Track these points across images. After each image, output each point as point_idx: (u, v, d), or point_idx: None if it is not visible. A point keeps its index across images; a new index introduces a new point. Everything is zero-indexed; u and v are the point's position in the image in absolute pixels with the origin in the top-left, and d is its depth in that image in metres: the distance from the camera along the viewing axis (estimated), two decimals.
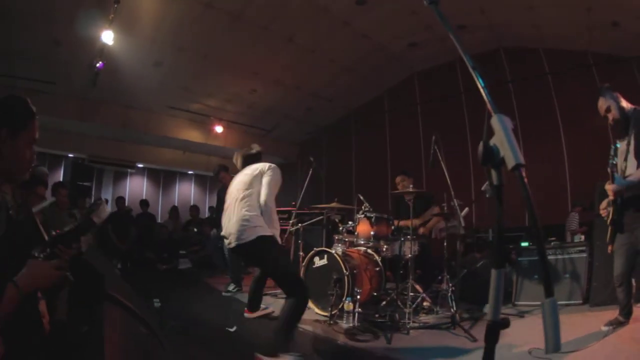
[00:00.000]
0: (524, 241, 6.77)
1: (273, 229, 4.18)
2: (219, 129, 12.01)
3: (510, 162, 1.05)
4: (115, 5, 6.82)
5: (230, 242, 4.11)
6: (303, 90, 10.96)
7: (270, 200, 4.25)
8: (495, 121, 1.10)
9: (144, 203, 12.04)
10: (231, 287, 7.04)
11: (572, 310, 5.13)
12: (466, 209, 5.54)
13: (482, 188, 5.16)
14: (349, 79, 10.66)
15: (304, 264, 5.71)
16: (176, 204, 13.99)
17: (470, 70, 1.21)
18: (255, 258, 4.35)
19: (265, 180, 4.32)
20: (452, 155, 7.67)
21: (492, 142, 1.10)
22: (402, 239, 5.49)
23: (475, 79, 1.19)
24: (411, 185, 5.91)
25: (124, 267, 9.63)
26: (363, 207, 6.02)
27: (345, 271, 5.09)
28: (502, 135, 1.08)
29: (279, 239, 4.28)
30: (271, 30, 8.49)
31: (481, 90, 1.17)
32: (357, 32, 8.86)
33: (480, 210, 8.41)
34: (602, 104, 4.05)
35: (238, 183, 4.45)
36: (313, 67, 9.94)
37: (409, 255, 5.55)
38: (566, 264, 5.65)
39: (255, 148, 4.84)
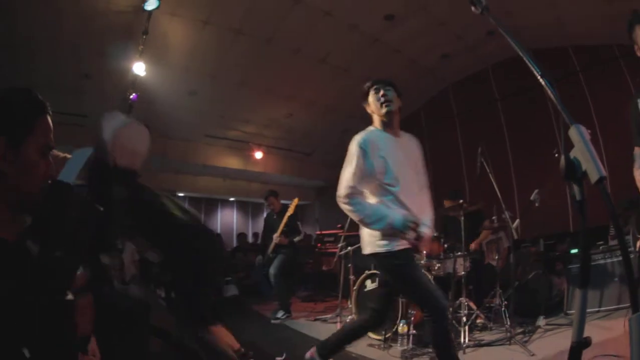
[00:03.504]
0: (573, 248, 6.55)
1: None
2: (258, 154, 12.01)
3: (594, 176, 0.98)
4: (144, 37, 6.87)
5: None
6: (339, 110, 10.89)
7: None
8: (573, 133, 1.03)
9: None
10: (280, 314, 6.99)
11: (622, 314, 4.94)
12: (517, 221, 5.38)
13: (531, 197, 5.06)
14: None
15: (355, 287, 5.62)
16: (219, 231, 14.09)
17: (540, 79, 1.15)
18: None
19: None
20: (494, 166, 7.56)
21: (572, 154, 1.03)
22: (453, 255, 5.34)
23: (546, 88, 1.12)
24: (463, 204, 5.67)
25: (168, 297, 9.68)
26: None
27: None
28: (582, 147, 1.01)
29: None
30: (303, 52, 8.53)
31: (554, 100, 1.10)
32: (388, 47, 8.81)
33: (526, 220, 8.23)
34: None
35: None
36: (347, 86, 9.89)
37: (462, 273, 5.39)
38: (615, 267, 5.45)
39: None
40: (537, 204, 4.94)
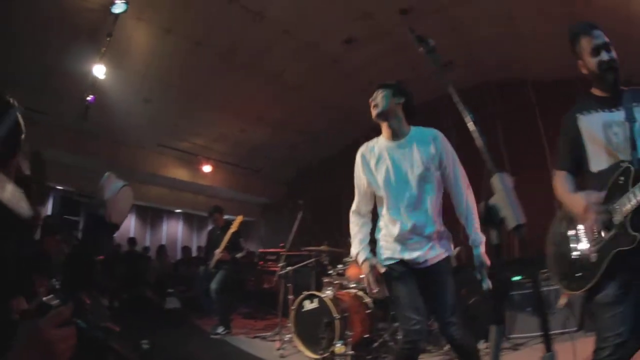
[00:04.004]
0: (516, 275, 6.76)
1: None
2: (206, 168, 11.93)
3: (512, 223, 1.05)
4: (108, 39, 6.80)
5: None
6: (290, 128, 10.98)
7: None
8: (496, 180, 1.11)
9: (132, 241, 11.92)
10: (220, 330, 6.93)
11: (567, 338, 5.12)
12: (457, 248, 5.52)
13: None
14: (335, 117, 10.67)
15: (293, 307, 5.64)
16: (164, 242, 13.85)
17: (472, 129, 1.22)
18: None
19: None
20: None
21: (492, 201, 1.10)
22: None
23: (476, 137, 1.19)
24: None
25: (111, 306, 9.47)
26: None
27: (335, 315, 5.05)
28: (503, 195, 1.08)
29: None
30: (259, 68, 8.56)
31: (480, 148, 1.17)
32: (344, 69, 8.95)
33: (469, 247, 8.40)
34: None
35: None
36: (298, 104, 10.00)
37: None
38: (559, 292, 5.58)
39: None
40: None
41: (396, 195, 3.07)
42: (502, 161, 9.27)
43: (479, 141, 1.22)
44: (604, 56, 2.41)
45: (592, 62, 2.46)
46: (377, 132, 3.28)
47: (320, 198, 12.47)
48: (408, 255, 2.99)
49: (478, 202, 2.94)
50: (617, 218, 2.17)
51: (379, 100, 3.20)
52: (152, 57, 7.87)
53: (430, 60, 1.57)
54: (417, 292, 2.93)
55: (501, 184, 1.10)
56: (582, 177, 2.54)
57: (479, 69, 9.42)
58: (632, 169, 2.20)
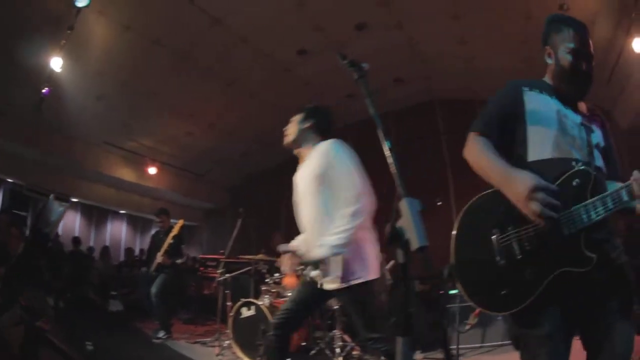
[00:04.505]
0: (453, 289, 6.95)
1: None
2: (152, 170, 11.73)
3: (414, 245, 1.15)
4: (69, 32, 6.69)
5: None
6: (238, 135, 11.00)
7: None
8: (403, 204, 1.21)
9: (76, 241, 11.62)
10: (161, 334, 6.86)
11: (508, 349, 5.28)
12: (392, 262, 5.67)
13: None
14: (285, 126, 10.63)
15: (231, 314, 5.67)
16: (107, 243, 13.57)
17: (387, 153, 1.32)
18: None
19: None
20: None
21: (399, 224, 1.20)
22: None
23: (390, 163, 1.29)
24: None
25: (57, 306, 9.24)
26: None
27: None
28: (409, 219, 1.19)
29: None
30: (213, 73, 8.62)
31: (393, 174, 1.27)
32: (297, 79, 9.09)
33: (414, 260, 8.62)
34: None
35: None
36: (250, 112, 10.03)
37: (335, 306, 5.58)
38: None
39: None
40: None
41: (298, 219, 3.17)
42: (446, 178, 9.58)
43: (392, 167, 1.32)
44: (582, 66, 1.97)
45: (565, 59, 2.00)
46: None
47: (262, 206, 12.47)
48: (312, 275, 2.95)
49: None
50: (569, 230, 1.73)
51: (289, 129, 3.29)
52: (109, 54, 7.79)
53: (359, 86, 1.64)
54: None
55: (408, 208, 1.21)
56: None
57: (429, 86, 9.72)
58: (592, 174, 1.79)
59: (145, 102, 9.31)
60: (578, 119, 1.97)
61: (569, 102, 2.01)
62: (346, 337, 5.61)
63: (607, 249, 1.77)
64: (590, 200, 1.71)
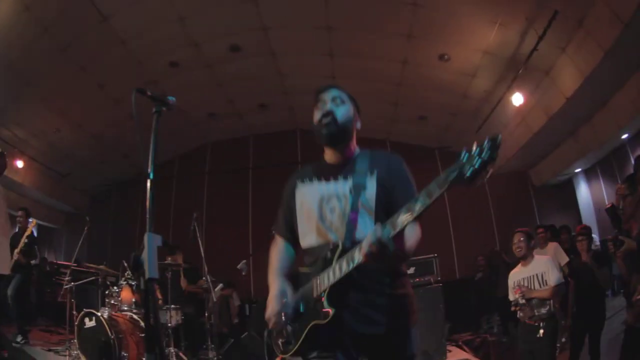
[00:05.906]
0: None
1: None
2: (19, 163, 10.89)
3: (146, 275, 1.30)
4: None
5: None
6: (102, 141, 10.70)
7: None
8: (145, 238, 1.36)
9: None
10: (19, 339, 6.52)
11: None
12: (220, 285, 5.89)
13: (238, 266, 5.61)
14: (147, 137, 10.42)
15: (76, 323, 5.52)
16: None
17: (148, 189, 1.46)
18: None
19: None
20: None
21: (141, 254, 1.35)
22: (165, 307, 5.61)
23: (147, 199, 1.44)
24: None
25: None
26: (126, 274, 5.92)
27: (110, 335, 5.06)
28: (146, 252, 1.34)
29: None
30: (87, 72, 8.37)
31: (146, 209, 1.42)
32: (164, 91, 9.01)
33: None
34: None
35: None
36: (117, 118, 9.76)
37: (171, 325, 5.61)
38: None
39: None
40: (244, 273, 5.52)
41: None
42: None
43: (147, 203, 1.47)
44: (323, 108, 2.10)
45: (315, 116, 2.13)
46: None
47: (121, 215, 12.29)
48: None
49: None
50: (317, 292, 1.93)
51: None
52: (2, 30, 7.21)
53: (153, 119, 1.75)
54: None
55: (148, 242, 1.36)
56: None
57: (242, 123, 10.44)
58: (340, 246, 1.92)
59: (21, 89, 8.67)
60: (347, 186, 2.03)
61: (339, 169, 2.10)
62: (182, 355, 5.69)
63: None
64: (332, 265, 1.87)
